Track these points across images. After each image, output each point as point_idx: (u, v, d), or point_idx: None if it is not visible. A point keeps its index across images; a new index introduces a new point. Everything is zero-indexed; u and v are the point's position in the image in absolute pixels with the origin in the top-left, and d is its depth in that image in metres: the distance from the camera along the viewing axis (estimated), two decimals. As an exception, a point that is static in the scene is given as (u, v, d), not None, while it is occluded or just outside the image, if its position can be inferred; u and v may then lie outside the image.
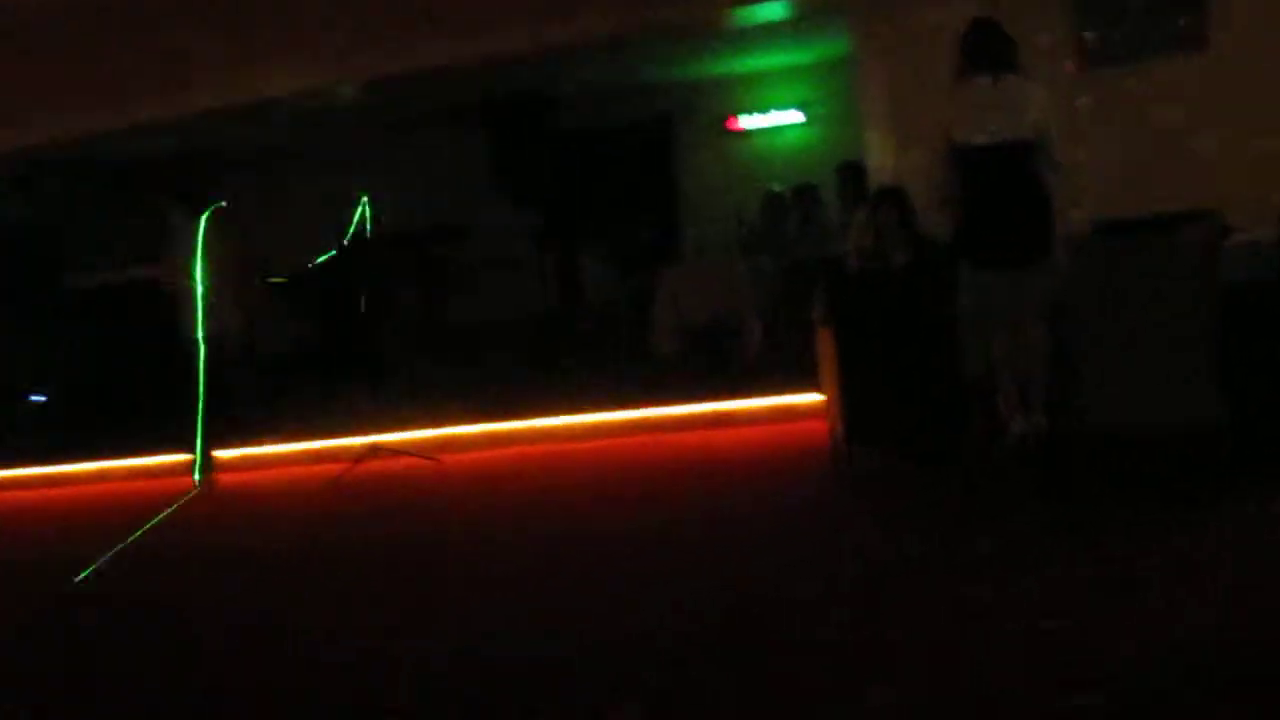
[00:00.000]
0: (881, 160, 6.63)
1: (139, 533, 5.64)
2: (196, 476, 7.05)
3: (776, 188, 8.56)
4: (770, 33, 8.00)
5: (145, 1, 7.33)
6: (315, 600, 4.35)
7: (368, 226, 7.31)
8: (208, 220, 6.92)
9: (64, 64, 7.64)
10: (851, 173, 7.38)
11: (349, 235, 8.13)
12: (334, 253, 7.60)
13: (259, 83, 7.35)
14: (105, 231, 9.81)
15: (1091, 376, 4.73)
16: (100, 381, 9.11)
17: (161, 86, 7.54)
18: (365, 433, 7.11)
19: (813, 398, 6.34)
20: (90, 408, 8.98)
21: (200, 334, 6.87)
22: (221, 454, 7.73)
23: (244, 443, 7.76)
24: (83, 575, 4.98)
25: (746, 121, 10.37)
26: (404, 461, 6.96)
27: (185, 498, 6.58)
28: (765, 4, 7.00)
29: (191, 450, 7.08)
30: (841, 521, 4.53)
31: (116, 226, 9.92)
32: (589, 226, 8.91)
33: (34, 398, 9.08)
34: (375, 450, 7.00)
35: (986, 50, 4.89)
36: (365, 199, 7.27)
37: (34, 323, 9.01)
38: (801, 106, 10.24)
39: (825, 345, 5.49)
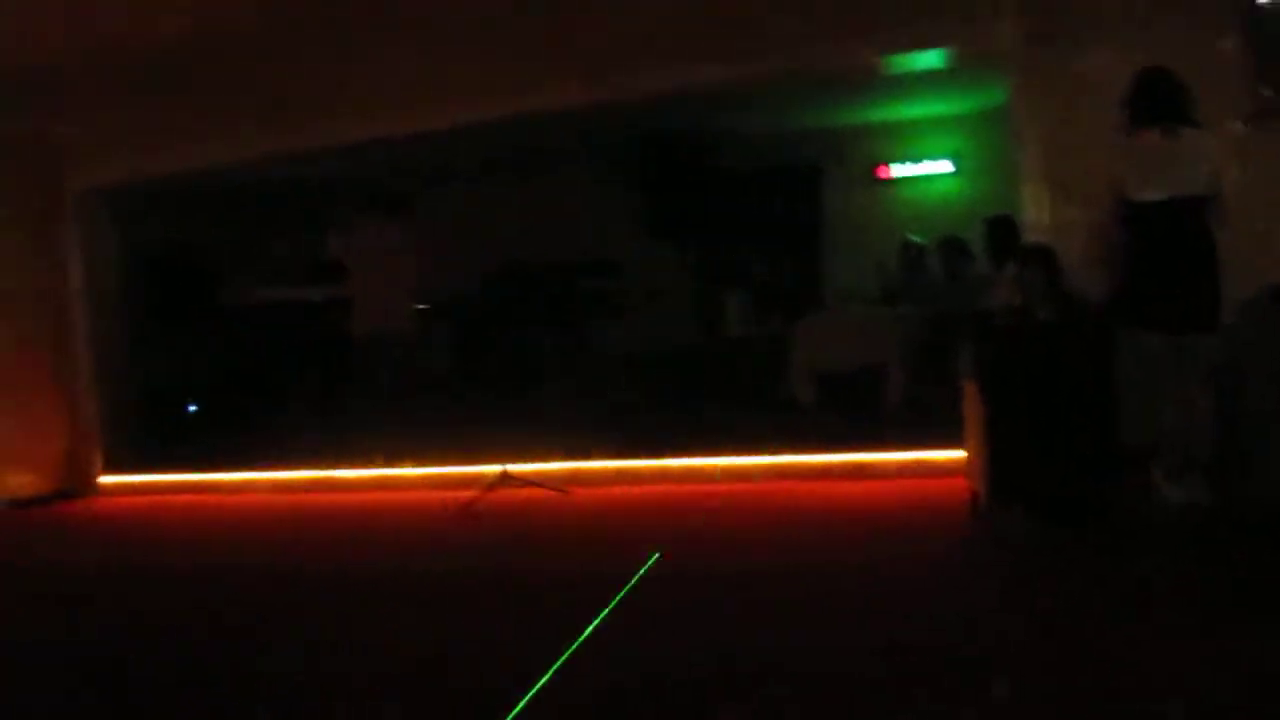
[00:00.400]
0: (1036, 215, 6.42)
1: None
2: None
3: (916, 238, 8.43)
4: (925, 81, 7.89)
5: (314, 32, 7.64)
6: (472, 629, 4.38)
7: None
8: (375, 239, 7.38)
9: (234, 90, 8.03)
10: (1000, 227, 7.18)
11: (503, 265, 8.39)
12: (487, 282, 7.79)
13: (431, 113, 7.57)
14: (259, 251, 10.28)
15: (1268, 447, 4.45)
16: (248, 394, 9.50)
17: (326, 114, 7.83)
18: (497, 460, 7.18)
19: (953, 454, 6.14)
20: (238, 419, 9.36)
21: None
22: (351, 474, 7.98)
23: (373, 464, 7.98)
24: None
25: (896, 170, 10.25)
26: (532, 491, 7.02)
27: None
28: (922, 52, 6.89)
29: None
30: (987, 578, 4.35)
31: (270, 246, 10.40)
32: (734, 267, 8.90)
33: (196, 407, 9.51)
34: (506, 478, 7.07)
35: (1158, 101, 4.71)
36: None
37: (193, 336, 9.45)
38: (952, 157, 10.07)
39: (970, 400, 5.32)
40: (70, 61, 8.01)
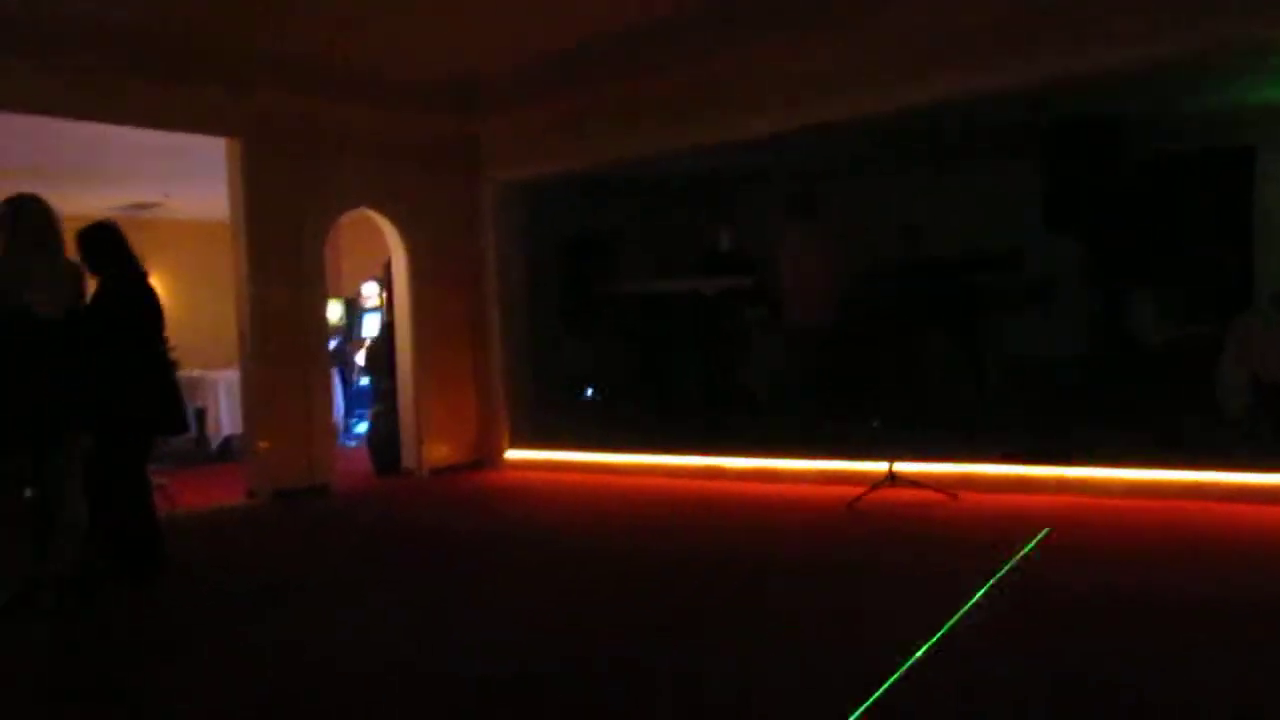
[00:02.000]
0: None
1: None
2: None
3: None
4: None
5: (708, 29, 7.80)
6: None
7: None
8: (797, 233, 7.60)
9: (644, 85, 8.37)
10: None
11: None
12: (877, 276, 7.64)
13: (825, 106, 7.52)
14: (652, 243, 10.69)
15: None
16: (643, 381, 9.92)
17: (727, 108, 7.98)
18: (884, 459, 7.02)
19: None
20: (633, 404, 9.80)
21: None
22: (737, 463, 8.11)
23: (761, 453, 8.07)
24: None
25: (1350, 154, 8.92)
26: (919, 493, 6.80)
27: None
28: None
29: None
30: None
31: (663, 238, 10.78)
32: (1147, 262, 8.11)
33: (591, 391, 10.08)
34: (893, 478, 6.89)
35: None
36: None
37: (594, 324, 10.00)
38: None
39: None
40: (491, 65, 8.74)
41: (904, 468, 7.01)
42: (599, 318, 10.02)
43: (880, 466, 7.01)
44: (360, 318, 12.53)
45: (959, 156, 9.20)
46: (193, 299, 12.58)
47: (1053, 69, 6.65)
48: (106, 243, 5.44)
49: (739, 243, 9.55)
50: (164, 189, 11.15)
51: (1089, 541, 5.54)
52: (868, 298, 8.53)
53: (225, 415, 10.56)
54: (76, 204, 11.38)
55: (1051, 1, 6.54)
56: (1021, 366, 8.14)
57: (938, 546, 5.70)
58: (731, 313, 9.09)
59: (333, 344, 10.09)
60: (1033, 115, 7.82)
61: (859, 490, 6.87)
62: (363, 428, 11.07)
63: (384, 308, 10.80)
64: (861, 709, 3.22)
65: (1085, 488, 6.65)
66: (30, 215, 4.97)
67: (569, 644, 4.18)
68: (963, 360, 8.43)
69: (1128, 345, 8.00)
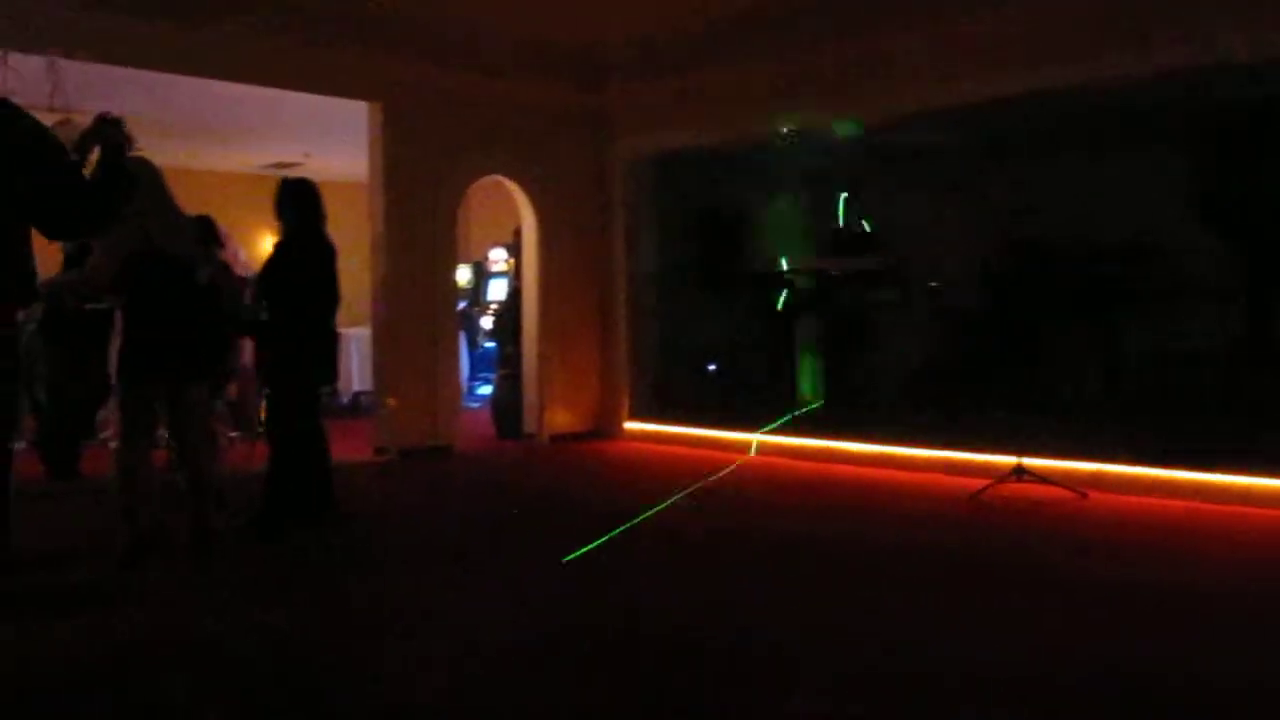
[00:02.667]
0: None
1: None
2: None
3: None
4: None
5: (847, 8, 7.65)
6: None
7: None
8: None
9: (770, 60, 8.26)
10: None
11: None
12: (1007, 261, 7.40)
13: (960, 87, 7.33)
14: (785, 220, 10.53)
15: None
16: (763, 359, 9.85)
17: (863, 89, 7.83)
18: (1013, 453, 6.82)
19: None
20: (753, 382, 9.74)
21: None
22: (858, 447, 8.01)
23: (884, 440, 7.95)
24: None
25: None
26: (1047, 489, 6.60)
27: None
28: None
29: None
30: None
31: (795, 216, 10.62)
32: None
33: (710, 367, 10.06)
34: (1020, 473, 6.70)
35: None
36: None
37: (722, 300, 9.94)
38: None
39: None
40: (623, 36, 8.72)
41: (1035, 462, 6.80)
42: (725, 294, 9.96)
43: (1009, 460, 6.82)
44: (487, 282, 12.74)
45: (1111, 142, 8.81)
46: (328, 257, 12.93)
47: (1222, 51, 6.33)
48: (301, 197, 5.75)
49: (870, 224, 9.35)
50: (304, 149, 11.47)
51: (1203, 547, 5.31)
52: (1005, 284, 8.27)
53: (356, 371, 10.87)
54: (220, 161, 11.81)
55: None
56: (1165, 362, 7.79)
57: (1049, 544, 5.53)
58: (858, 294, 8.94)
59: (460, 307, 10.28)
60: (1193, 101, 7.43)
61: (984, 482, 6.70)
62: (486, 391, 11.28)
63: (512, 273, 10.95)
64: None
65: (1223, 495, 6.35)
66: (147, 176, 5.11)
67: (677, 614, 4.18)
68: (1102, 353, 8.12)
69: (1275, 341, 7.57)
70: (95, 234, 4.60)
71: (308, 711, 3.32)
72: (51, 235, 3.58)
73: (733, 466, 7.81)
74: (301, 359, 5.71)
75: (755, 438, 8.48)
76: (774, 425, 8.33)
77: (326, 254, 5.86)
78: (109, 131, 3.69)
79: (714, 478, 7.37)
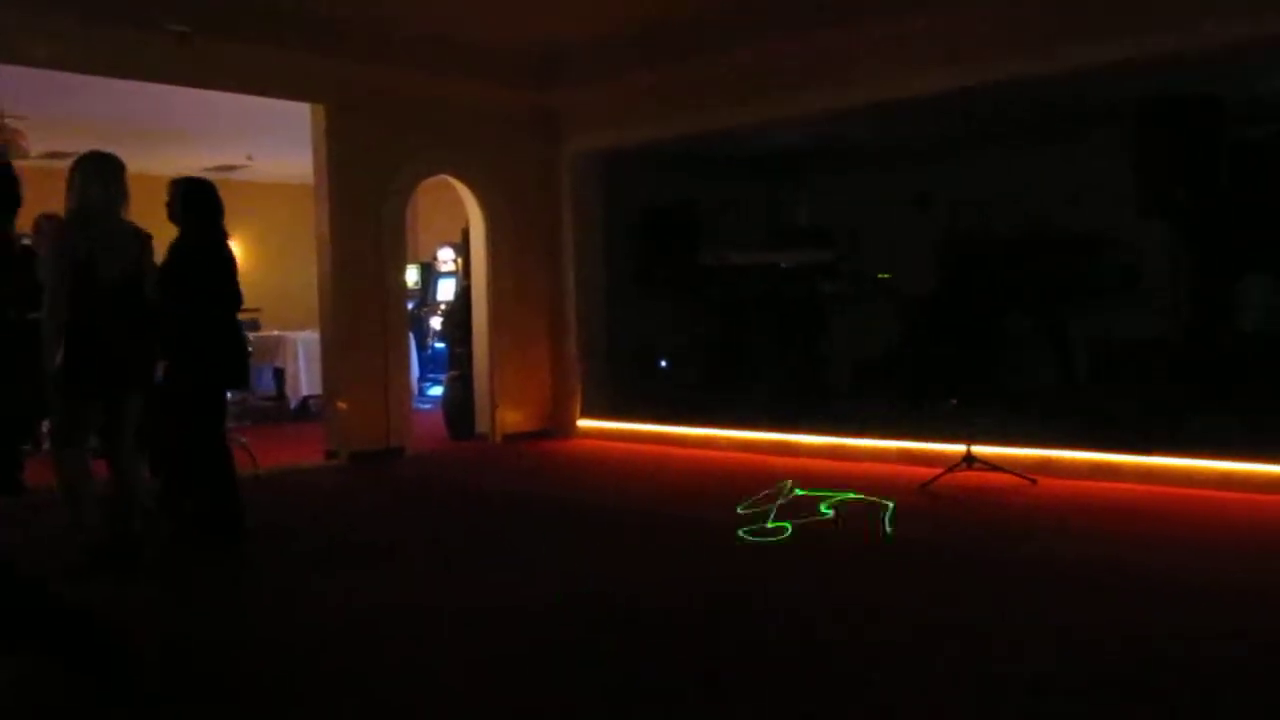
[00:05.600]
0: None
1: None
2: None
3: None
4: None
5: (787, 4, 7.70)
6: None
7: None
8: None
9: (721, 60, 8.29)
10: None
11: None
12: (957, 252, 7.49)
13: (906, 81, 7.41)
14: (733, 216, 10.59)
15: None
16: (716, 355, 9.88)
17: (813, 83, 7.87)
18: (961, 441, 6.91)
19: None
20: (706, 378, 9.78)
21: None
22: (807, 439, 8.08)
23: (834, 432, 8.03)
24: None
25: None
26: (996, 477, 6.70)
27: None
28: None
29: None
30: None
31: (746, 211, 10.68)
32: (1253, 250, 7.81)
33: (664, 363, 10.07)
34: (970, 460, 6.80)
35: None
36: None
37: (669, 297, 9.96)
38: None
39: None
40: (571, 35, 8.70)
41: (984, 450, 6.90)
42: (674, 290, 9.99)
43: (958, 448, 6.91)
44: (435, 282, 12.66)
45: (1050, 134, 8.96)
46: (272, 260, 12.81)
47: (1161, 45, 6.46)
48: (196, 198, 5.51)
49: (816, 216, 9.45)
50: (246, 151, 11.32)
51: (1152, 528, 5.44)
52: (951, 277, 8.39)
53: (304, 375, 10.75)
54: (162, 165, 11.62)
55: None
56: (1110, 350, 7.94)
57: (998, 529, 5.63)
58: (807, 286, 9.01)
59: (408, 308, 10.21)
60: (1135, 93, 7.58)
61: (935, 471, 6.78)
62: (436, 392, 11.21)
63: (460, 273, 10.89)
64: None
65: (1171, 477, 6.50)
66: (100, 175, 4.99)
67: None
68: (1049, 341, 8.26)
69: (1224, 331, 7.74)
70: None
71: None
72: None
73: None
74: (204, 362, 5.46)
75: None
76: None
77: (226, 253, 5.60)
78: None
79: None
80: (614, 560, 5.27)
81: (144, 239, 5.17)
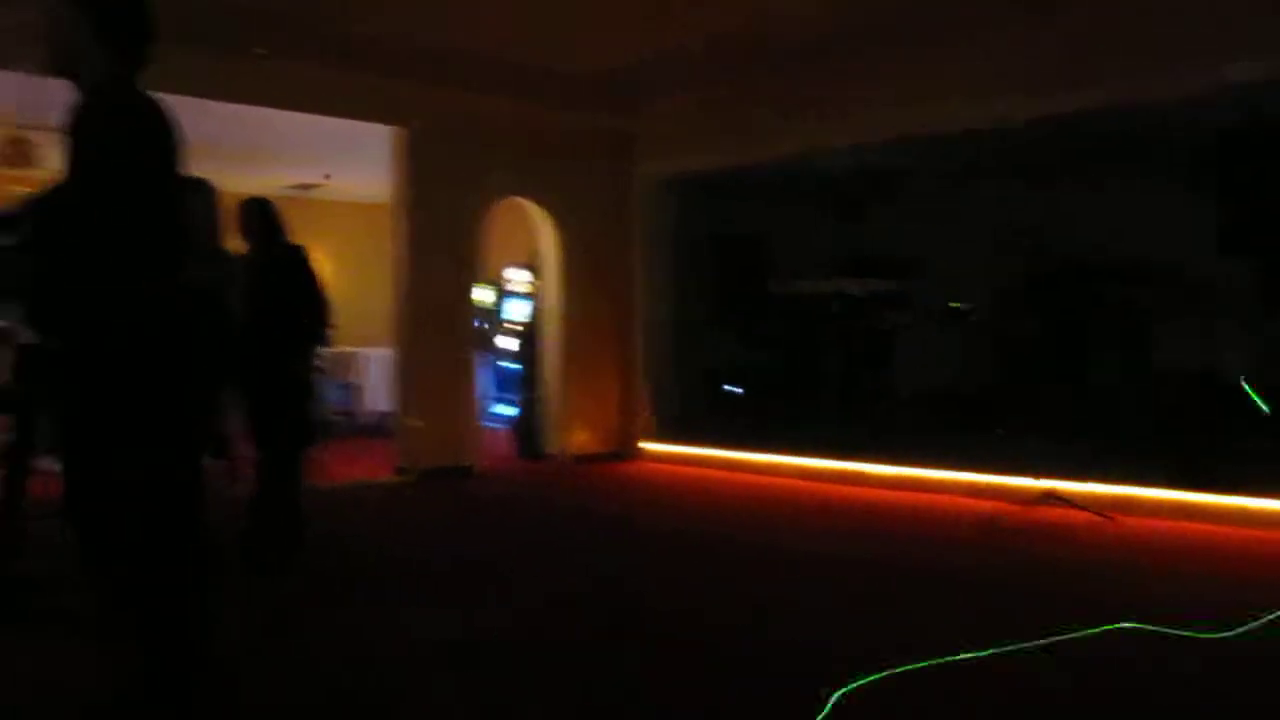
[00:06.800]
0: None
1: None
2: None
3: None
4: None
5: (867, 28, 7.69)
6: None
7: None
8: None
9: (792, 82, 8.32)
10: None
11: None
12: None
13: (982, 109, 7.35)
14: (801, 242, 10.55)
15: None
16: (785, 381, 9.83)
17: (886, 109, 7.85)
18: (1041, 477, 6.79)
19: None
20: (774, 404, 9.74)
21: None
22: (877, 469, 7.99)
23: (902, 462, 7.94)
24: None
25: None
26: (1073, 514, 6.57)
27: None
28: None
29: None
30: None
31: (813, 238, 10.62)
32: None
33: (731, 389, 10.06)
34: (1049, 496, 6.67)
35: None
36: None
37: (739, 322, 9.95)
38: None
39: None
40: (646, 60, 8.76)
41: (1061, 485, 6.77)
42: (745, 315, 9.99)
43: (1030, 483, 6.79)
44: (504, 301, 12.74)
45: (1130, 165, 8.80)
46: (348, 278, 13.00)
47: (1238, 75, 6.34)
48: (256, 218, 5.53)
49: (887, 245, 9.37)
50: (325, 170, 11.54)
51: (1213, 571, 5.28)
52: (1025, 306, 8.27)
53: (377, 392, 10.90)
54: (241, 184, 11.88)
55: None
56: (1186, 387, 7.75)
57: (1072, 569, 5.50)
58: (877, 315, 8.95)
59: (478, 325, 10.30)
60: (1204, 126, 7.43)
61: (1007, 506, 6.67)
62: (504, 409, 11.28)
63: (536, 295, 10.97)
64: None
65: (1253, 519, 6.32)
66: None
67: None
68: (1128, 375, 8.08)
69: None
70: None
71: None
72: None
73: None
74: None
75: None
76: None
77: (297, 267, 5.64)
78: None
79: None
80: (693, 588, 5.25)
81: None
